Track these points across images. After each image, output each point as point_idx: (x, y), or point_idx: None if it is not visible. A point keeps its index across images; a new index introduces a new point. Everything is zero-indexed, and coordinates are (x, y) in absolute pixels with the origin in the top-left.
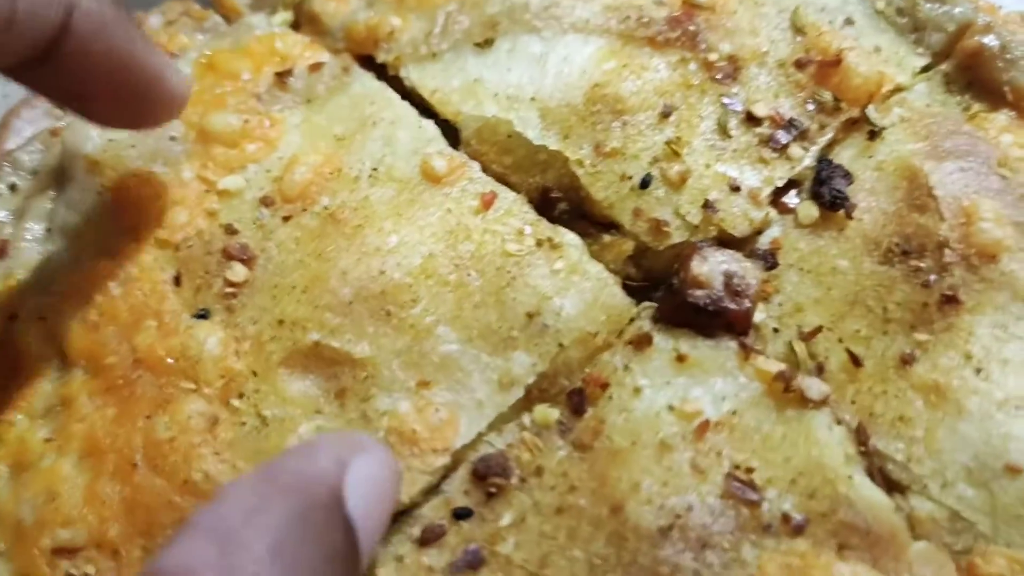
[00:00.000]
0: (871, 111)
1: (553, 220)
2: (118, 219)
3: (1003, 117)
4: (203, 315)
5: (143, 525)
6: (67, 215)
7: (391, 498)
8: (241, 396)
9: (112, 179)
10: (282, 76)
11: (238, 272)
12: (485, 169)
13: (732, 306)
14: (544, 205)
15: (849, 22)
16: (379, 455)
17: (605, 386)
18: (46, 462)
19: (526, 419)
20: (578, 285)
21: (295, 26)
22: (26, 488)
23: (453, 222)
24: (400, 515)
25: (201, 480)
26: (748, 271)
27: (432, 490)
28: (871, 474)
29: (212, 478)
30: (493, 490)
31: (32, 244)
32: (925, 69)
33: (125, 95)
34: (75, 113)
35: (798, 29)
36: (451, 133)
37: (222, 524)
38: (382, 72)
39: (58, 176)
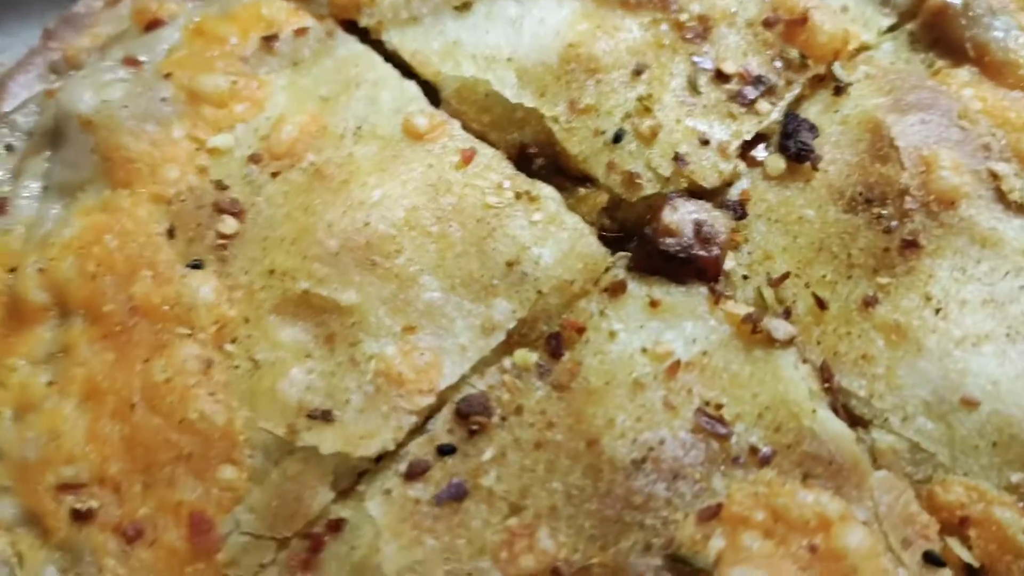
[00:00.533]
0: (837, 68)
1: (531, 175)
2: (112, 176)
3: (965, 72)
4: (196, 265)
5: (142, 462)
6: (63, 173)
7: None
8: (234, 341)
9: (105, 138)
10: (268, 40)
11: (229, 225)
12: (465, 127)
13: (702, 253)
14: (522, 161)
15: None
16: None
17: (581, 330)
18: (48, 404)
19: (507, 362)
20: (555, 235)
21: None
22: (30, 429)
23: (435, 177)
24: (387, 454)
25: (197, 419)
26: (718, 220)
27: (417, 430)
28: (835, 409)
29: (207, 417)
30: (475, 428)
31: (29, 201)
32: (892, 28)
33: None
34: None
35: None
36: (432, 93)
37: None
38: (365, 36)
39: (53, 136)
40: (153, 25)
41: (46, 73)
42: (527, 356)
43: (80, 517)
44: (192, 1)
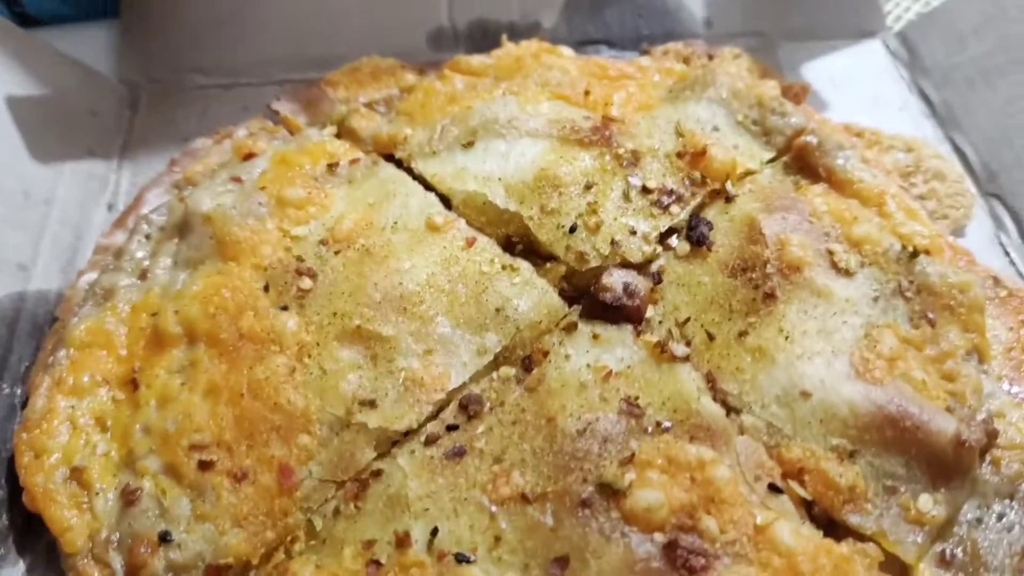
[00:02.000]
0: (728, 185)
1: (513, 254)
2: (224, 253)
3: (819, 187)
4: (284, 308)
5: (247, 431)
6: (188, 252)
7: None
8: (309, 356)
9: (220, 228)
10: (332, 167)
11: (306, 283)
12: (468, 223)
13: (629, 303)
14: (507, 245)
15: (716, 128)
16: None
17: (546, 354)
18: (182, 396)
19: (495, 374)
20: (529, 292)
21: (339, 135)
22: (169, 411)
23: (447, 255)
24: (412, 430)
25: (285, 404)
26: (640, 282)
27: (433, 417)
28: (715, 401)
29: (292, 403)
30: (472, 414)
31: (163, 272)
32: (772, 160)
33: None
34: None
35: (680, 133)
36: (445, 201)
37: None
38: (399, 164)
39: (180, 228)
40: (249, 156)
41: (171, 188)
42: (508, 371)
43: (204, 466)
44: (276, 140)
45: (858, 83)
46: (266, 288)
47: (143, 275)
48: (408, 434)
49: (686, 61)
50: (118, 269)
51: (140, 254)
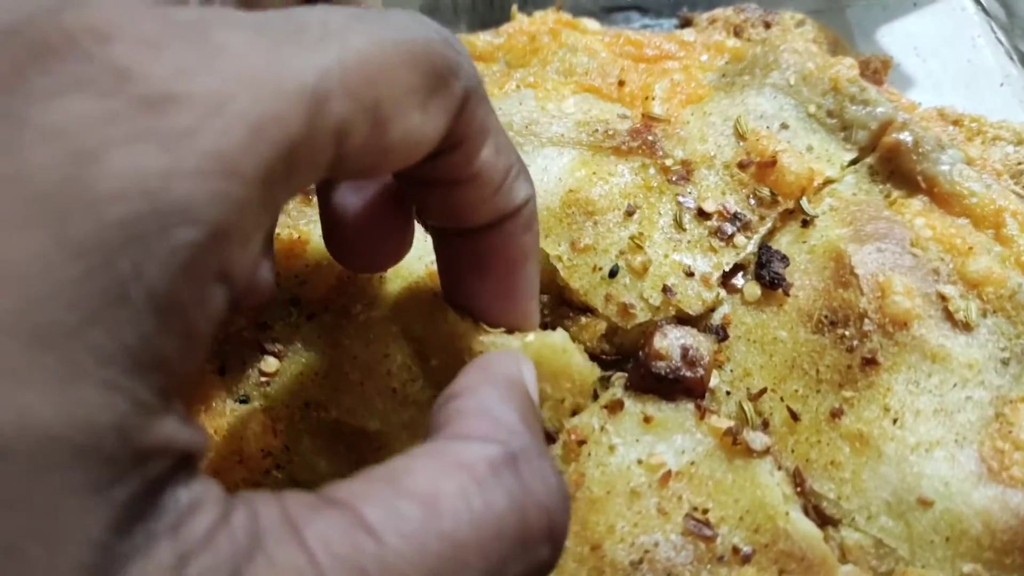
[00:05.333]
0: (804, 203)
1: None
2: None
3: (918, 202)
4: (244, 400)
5: None
6: None
7: None
8: (279, 467)
9: None
10: (307, 194)
11: (270, 364)
12: None
13: (689, 374)
14: None
15: (784, 126)
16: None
17: (583, 442)
18: None
19: None
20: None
21: None
22: None
23: None
24: None
25: None
26: (702, 344)
27: None
28: (806, 511)
29: None
30: None
31: None
32: (853, 162)
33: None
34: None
35: (740, 135)
36: None
37: None
38: None
39: None
40: None
41: None
42: None
43: None
44: None
45: (946, 53)
46: (221, 371)
47: None
48: None
49: (737, 32)
50: None
51: None
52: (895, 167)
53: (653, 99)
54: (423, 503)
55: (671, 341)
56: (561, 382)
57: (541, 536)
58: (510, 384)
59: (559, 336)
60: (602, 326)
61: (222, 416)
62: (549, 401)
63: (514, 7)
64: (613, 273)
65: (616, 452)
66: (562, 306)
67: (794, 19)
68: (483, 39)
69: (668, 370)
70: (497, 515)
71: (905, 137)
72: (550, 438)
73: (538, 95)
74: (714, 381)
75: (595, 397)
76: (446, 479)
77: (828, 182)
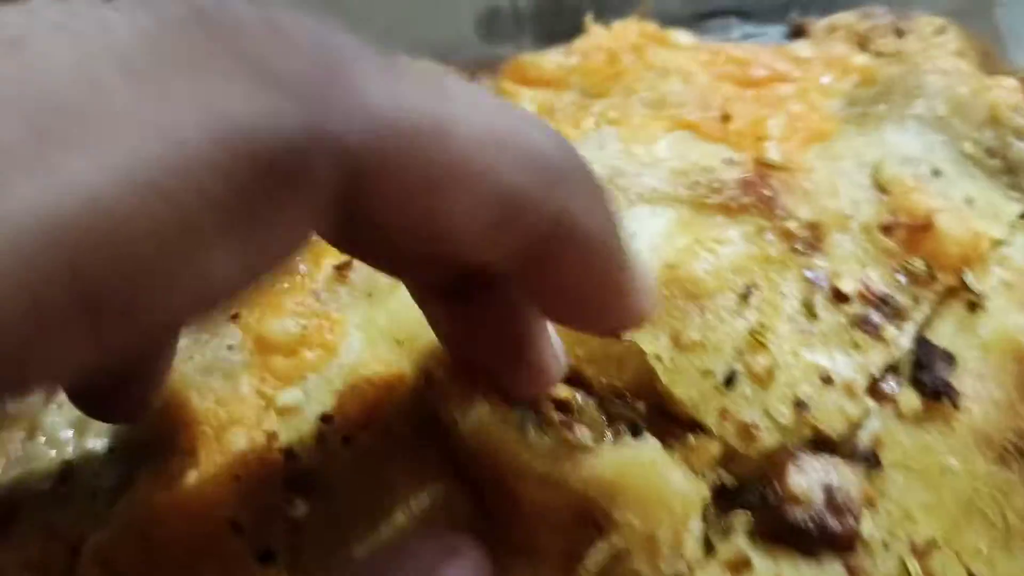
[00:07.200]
0: (969, 278)
1: (634, 418)
2: (176, 440)
3: None
4: (267, 557)
5: None
6: (130, 433)
7: None
8: None
9: (172, 394)
10: (342, 270)
11: (299, 508)
12: None
13: (835, 525)
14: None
15: (936, 173)
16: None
17: None
18: None
19: None
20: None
21: None
22: None
23: None
24: None
25: None
26: (851, 484)
27: None
28: None
29: None
30: None
31: (91, 466)
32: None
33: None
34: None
35: (881, 186)
36: None
37: None
38: None
39: None
40: None
41: None
42: None
43: None
44: None
45: None
46: (236, 524)
47: (63, 476)
48: None
49: (863, 43)
50: (27, 459)
51: (65, 433)
52: None
53: (768, 139)
54: None
55: (810, 479)
56: (654, 511)
57: None
58: None
59: (649, 449)
60: (716, 448)
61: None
62: (638, 537)
63: (588, 16)
64: (730, 381)
65: None
66: (663, 419)
67: (932, 25)
68: (552, 60)
69: (809, 521)
70: None
71: None
72: None
73: (623, 135)
74: (866, 526)
75: (708, 545)
76: None
77: (995, 244)
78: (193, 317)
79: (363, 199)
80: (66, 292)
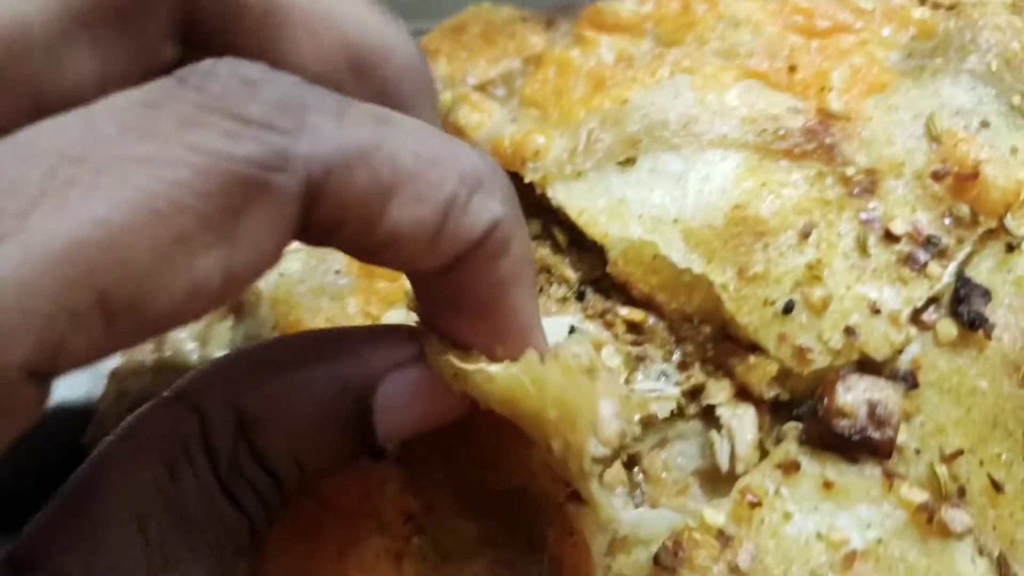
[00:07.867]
0: (1009, 222)
1: (699, 340)
2: None
3: None
4: (379, 455)
5: None
6: (246, 341)
7: None
8: (421, 533)
9: (283, 314)
10: None
11: None
12: (631, 289)
13: (876, 436)
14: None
15: (984, 124)
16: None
17: (756, 505)
18: None
19: None
20: None
21: None
22: None
23: None
24: None
25: None
26: (891, 400)
27: None
28: None
29: None
30: None
31: None
32: None
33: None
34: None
35: (934, 137)
36: (598, 257)
37: None
38: (530, 192)
39: (236, 306)
40: None
41: None
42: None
43: None
44: None
45: None
46: None
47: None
48: None
49: None
50: (154, 370)
51: (189, 345)
52: None
53: (830, 89)
54: None
55: (856, 396)
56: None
57: None
58: None
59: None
60: (773, 368)
61: (353, 476)
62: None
63: None
64: (788, 309)
65: (792, 521)
66: (726, 341)
67: None
68: (628, 7)
69: (853, 431)
70: None
71: None
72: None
73: (695, 83)
74: (902, 437)
75: (763, 451)
76: None
77: None
78: (188, 315)
79: (320, 209)
80: (88, 296)
